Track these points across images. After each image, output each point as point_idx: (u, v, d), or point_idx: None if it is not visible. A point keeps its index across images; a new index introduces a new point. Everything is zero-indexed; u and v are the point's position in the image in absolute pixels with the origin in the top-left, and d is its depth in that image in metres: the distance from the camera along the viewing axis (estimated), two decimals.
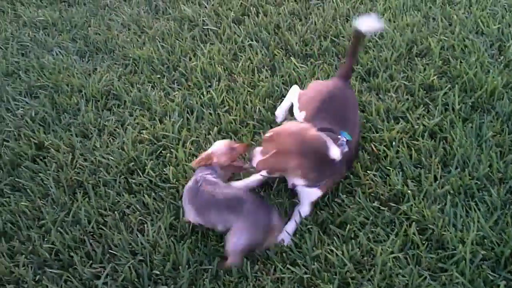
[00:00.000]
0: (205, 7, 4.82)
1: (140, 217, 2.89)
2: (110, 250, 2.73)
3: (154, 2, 5.00)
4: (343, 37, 4.20)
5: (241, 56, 4.10)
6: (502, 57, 3.84)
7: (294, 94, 3.28)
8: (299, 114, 3.13)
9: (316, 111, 2.99)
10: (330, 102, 3.01)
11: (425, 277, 2.45)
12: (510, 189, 2.85)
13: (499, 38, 4.04)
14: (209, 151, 2.89)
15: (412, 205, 2.77)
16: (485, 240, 2.58)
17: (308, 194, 2.81)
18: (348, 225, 2.71)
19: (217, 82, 3.83)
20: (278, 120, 3.38)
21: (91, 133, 3.50)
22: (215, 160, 2.83)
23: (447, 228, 2.65)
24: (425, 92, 3.55)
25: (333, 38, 4.20)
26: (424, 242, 2.60)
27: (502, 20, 4.23)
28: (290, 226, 2.75)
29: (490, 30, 4.11)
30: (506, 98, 3.40)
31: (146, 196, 2.98)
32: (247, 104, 3.58)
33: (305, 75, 3.78)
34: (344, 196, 2.89)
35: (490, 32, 4.09)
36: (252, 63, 4.01)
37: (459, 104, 3.39)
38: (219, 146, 2.91)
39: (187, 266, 2.60)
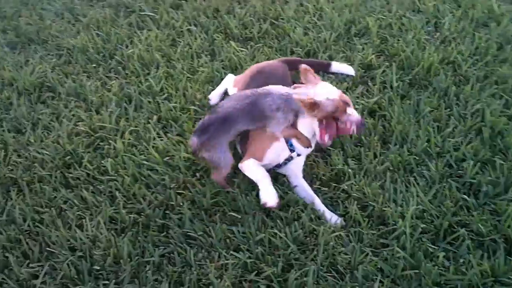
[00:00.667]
0: None
1: (78, 212, 2.79)
2: (47, 248, 2.62)
3: None
4: (282, 19, 4.18)
5: (180, 42, 4.02)
6: (438, 33, 3.92)
7: (228, 80, 3.45)
8: (232, 90, 3.28)
9: (245, 86, 3.11)
10: (257, 77, 3.13)
11: (367, 254, 2.46)
12: (447, 163, 2.90)
13: (434, 15, 4.11)
14: (317, 98, 2.54)
15: (352, 183, 2.79)
16: (425, 213, 2.63)
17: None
18: (291, 207, 2.70)
19: (155, 69, 3.74)
20: (211, 102, 3.41)
21: (25, 128, 3.35)
22: (316, 112, 2.55)
23: (387, 204, 2.68)
24: (363, 71, 3.57)
25: (273, 20, 4.17)
26: (365, 219, 2.62)
27: None
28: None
29: (426, 7, 4.17)
30: (443, 73, 3.46)
31: (84, 190, 2.88)
32: (187, 91, 3.51)
33: (245, 59, 3.74)
34: (286, 178, 2.89)
35: (426, 9, 4.16)
36: (191, 48, 3.94)
37: (397, 82, 3.42)
38: (331, 100, 2.57)
39: (128, 259, 2.53)
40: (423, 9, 4.17)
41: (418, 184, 2.78)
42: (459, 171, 2.87)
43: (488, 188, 2.72)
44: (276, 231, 2.58)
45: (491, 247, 2.49)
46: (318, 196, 2.76)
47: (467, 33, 3.88)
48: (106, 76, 3.75)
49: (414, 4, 4.24)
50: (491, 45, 3.71)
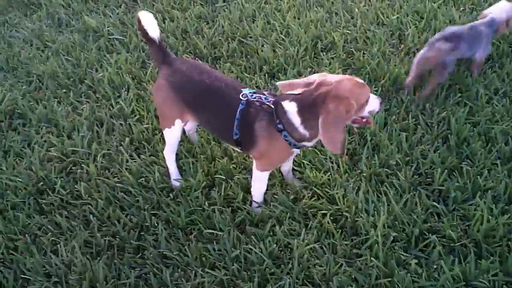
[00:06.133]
0: (110, 16, 4.72)
1: (52, 238, 2.79)
2: (22, 275, 2.61)
3: (57, 15, 4.86)
4: (250, 37, 4.23)
5: (150, 64, 4.04)
6: (402, 45, 4.00)
7: None
8: None
9: None
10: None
11: (341, 264, 2.50)
12: (416, 171, 2.96)
13: (398, 28, 4.20)
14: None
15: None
16: (396, 222, 2.67)
17: None
18: (267, 223, 2.72)
19: (126, 92, 3.76)
20: None
21: None
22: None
23: (359, 214, 2.72)
24: None
25: (241, 39, 4.23)
26: (338, 230, 2.66)
27: (400, 10, 4.40)
28: None
29: (390, 20, 4.26)
30: None
31: (58, 215, 2.88)
32: None
33: None
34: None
35: (390, 23, 4.25)
36: None
37: None
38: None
39: (104, 282, 2.53)
40: (386, 22, 4.26)
41: (390, 193, 2.83)
42: (428, 179, 2.93)
43: (457, 194, 2.78)
44: (251, 246, 2.61)
45: (462, 252, 2.55)
46: (294, 210, 2.79)
47: None
48: (77, 101, 3.76)
49: (378, 18, 4.34)
50: None
